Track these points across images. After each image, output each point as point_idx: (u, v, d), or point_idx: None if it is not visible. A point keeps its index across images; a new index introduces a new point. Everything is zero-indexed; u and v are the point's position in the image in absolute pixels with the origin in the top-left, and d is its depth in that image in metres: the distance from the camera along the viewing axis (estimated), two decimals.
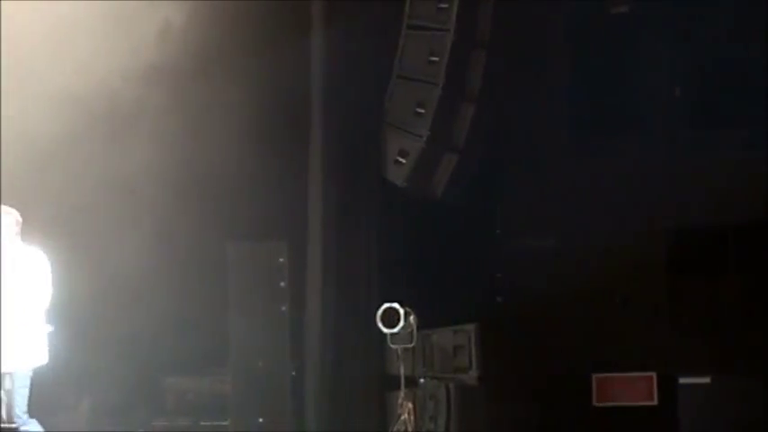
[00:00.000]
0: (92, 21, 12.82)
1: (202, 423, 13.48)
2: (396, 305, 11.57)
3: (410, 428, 11.46)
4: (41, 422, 12.27)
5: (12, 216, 9.90)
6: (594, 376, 13.17)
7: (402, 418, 11.52)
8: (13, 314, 9.48)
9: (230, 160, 13.30)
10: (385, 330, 11.58)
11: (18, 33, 12.65)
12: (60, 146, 12.93)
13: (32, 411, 12.66)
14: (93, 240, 13.76)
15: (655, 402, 12.91)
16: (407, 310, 11.60)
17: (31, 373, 9.89)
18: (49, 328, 10.41)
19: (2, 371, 9.39)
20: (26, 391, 9.80)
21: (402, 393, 11.65)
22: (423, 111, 13.00)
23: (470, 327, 12.72)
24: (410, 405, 11.61)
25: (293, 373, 13.26)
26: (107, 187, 13.49)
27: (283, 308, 13.27)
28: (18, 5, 12.57)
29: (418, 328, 11.80)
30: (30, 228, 13.17)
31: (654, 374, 12.98)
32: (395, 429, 11.56)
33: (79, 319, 13.64)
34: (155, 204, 13.39)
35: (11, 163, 12.60)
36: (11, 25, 12.61)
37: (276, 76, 13.22)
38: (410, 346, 11.84)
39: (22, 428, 9.59)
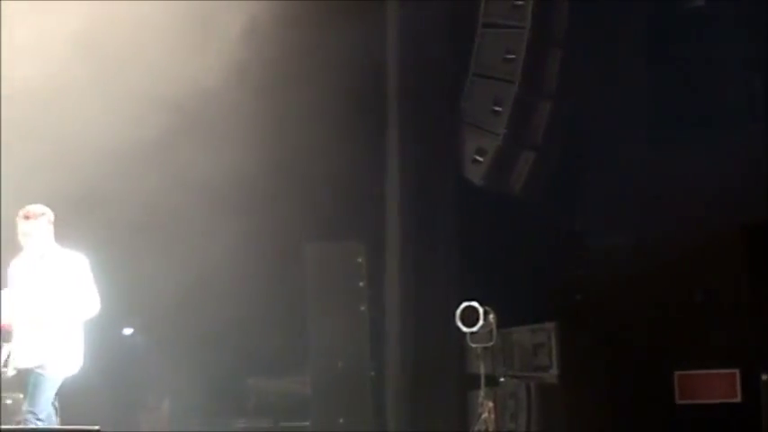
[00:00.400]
0: (176, 21, 12.99)
1: (283, 424, 13.56)
2: (475, 304, 11.53)
3: (491, 427, 11.43)
4: (123, 422, 12.50)
5: (45, 216, 9.51)
6: (676, 374, 13.02)
7: (483, 416, 11.48)
8: (42, 315, 9.27)
9: (310, 161, 13.37)
10: (464, 329, 11.55)
11: (103, 35, 12.85)
12: (146, 148, 13.09)
13: (116, 409, 12.94)
14: (179, 243, 13.91)
15: (738, 399, 12.75)
16: (486, 308, 11.56)
17: (60, 380, 9.58)
18: (128, 331, 10.48)
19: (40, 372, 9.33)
20: (51, 395, 9.54)
21: (482, 392, 11.63)
22: (500, 109, 12.98)
23: (550, 325, 12.68)
24: (490, 404, 11.58)
25: (372, 373, 13.30)
26: (190, 189, 13.63)
27: (362, 308, 13.32)
28: (102, 6, 12.75)
29: (497, 326, 11.76)
30: (116, 231, 13.50)
31: (737, 371, 12.81)
32: (476, 429, 11.53)
33: (164, 319, 13.84)
34: (238, 206, 13.51)
35: (97, 167, 12.80)
36: (96, 27, 12.80)
37: (355, 76, 13.29)
38: (490, 344, 11.80)
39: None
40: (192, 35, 13.14)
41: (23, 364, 9.37)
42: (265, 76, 13.17)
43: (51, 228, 9.52)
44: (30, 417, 9.39)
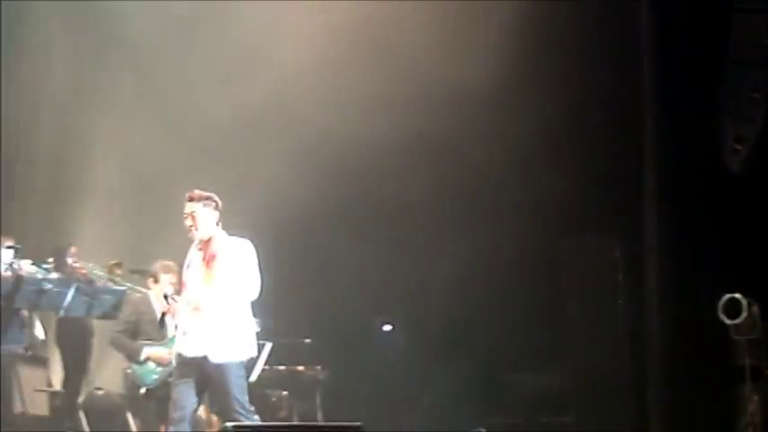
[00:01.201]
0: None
1: (541, 420, 13.48)
2: (738, 295, 11.23)
3: (758, 420, 11.08)
4: (385, 419, 12.66)
5: (210, 200, 9.27)
6: None
7: (749, 410, 11.16)
8: (219, 303, 9.16)
9: (567, 156, 13.32)
10: (727, 321, 11.26)
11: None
12: (416, 146, 13.31)
13: (377, 406, 13.13)
14: (427, 239, 14.06)
15: None
16: (750, 300, 11.24)
17: (244, 365, 9.39)
18: (387, 327, 10.38)
19: (212, 361, 9.08)
20: (243, 383, 9.30)
21: (747, 386, 11.29)
22: (758, 96, 12.55)
23: None
24: (756, 398, 11.24)
25: (632, 368, 13.08)
26: (449, 187, 13.79)
27: (620, 302, 13.15)
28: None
29: (762, 318, 11.39)
30: (371, 230, 13.75)
31: None
32: (742, 423, 11.21)
33: (422, 316, 14.00)
34: (493, 203, 13.58)
35: (361, 165, 13.10)
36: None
37: (609, 70, 13.19)
38: (754, 336, 11.44)
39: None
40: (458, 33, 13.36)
41: (191, 353, 9.18)
42: (527, 73, 13.22)
43: (217, 214, 9.29)
44: (241, 412, 9.10)
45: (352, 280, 14.02)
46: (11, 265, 11.41)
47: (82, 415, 11.22)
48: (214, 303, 9.13)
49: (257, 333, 11.01)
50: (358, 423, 8.41)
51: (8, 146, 13.71)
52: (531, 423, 13.44)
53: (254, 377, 11.03)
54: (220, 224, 9.32)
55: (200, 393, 9.21)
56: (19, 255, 11.33)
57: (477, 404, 13.51)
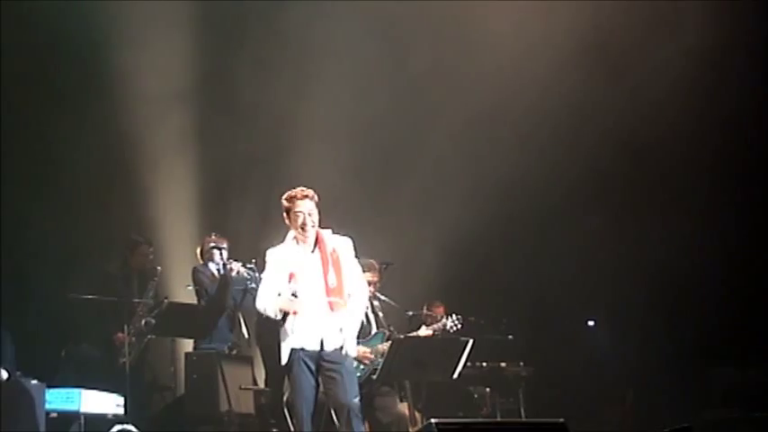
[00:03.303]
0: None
1: (754, 414, 13.07)
2: None
3: None
4: (588, 415, 12.49)
5: (316, 197, 9.02)
6: None
7: None
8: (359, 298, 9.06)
9: None
10: None
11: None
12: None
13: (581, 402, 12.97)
14: (628, 235, 13.87)
15: None
16: None
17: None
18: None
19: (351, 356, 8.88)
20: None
21: None
22: None
23: None
24: None
25: None
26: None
27: None
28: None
29: None
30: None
31: None
32: None
33: (628, 311, 13.79)
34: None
35: None
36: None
37: None
38: None
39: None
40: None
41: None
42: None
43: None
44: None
45: (555, 276, 13.92)
46: (223, 265, 11.64)
47: (286, 413, 11.30)
48: (359, 297, 9.11)
49: (458, 329, 11.03)
50: (561, 420, 8.22)
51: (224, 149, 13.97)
52: (743, 416, 13.04)
53: (455, 374, 10.95)
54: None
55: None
56: (230, 256, 11.56)
57: (686, 398, 13.19)
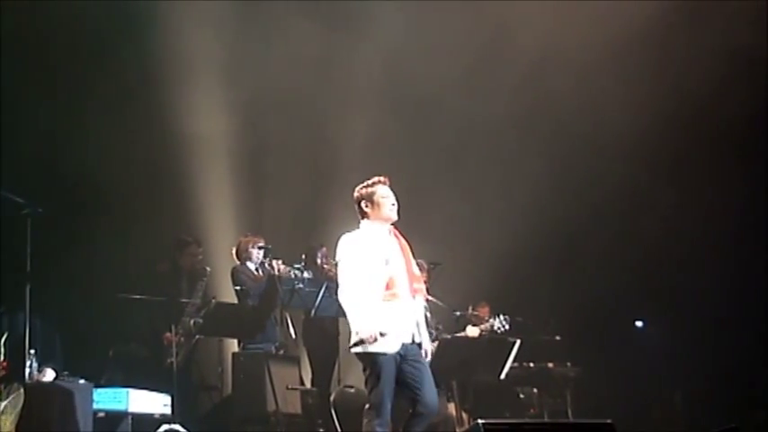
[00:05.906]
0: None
1: None
2: None
3: None
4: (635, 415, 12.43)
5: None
6: None
7: None
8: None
9: None
10: None
11: None
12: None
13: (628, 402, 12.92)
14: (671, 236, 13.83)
15: None
16: None
17: None
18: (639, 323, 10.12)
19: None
20: None
21: None
22: None
23: None
24: None
25: None
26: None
27: None
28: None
29: None
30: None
31: None
32: None
33: (676, 311, 13.74)
34: None
35: None
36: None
37: None
38: None
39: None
40: None
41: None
42: None
43: None
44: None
45: (603, 277, 13.88)
46: (262, 264, 11.66)
47: (333, 413, 11.31)
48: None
49: (506, 329, 11.01)
50: (609, 420, 8.18)
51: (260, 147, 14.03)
52: None
53: (502, 375, 10.94)
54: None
55: None
56: (270, 255, 11.55)
57: (734, 398, 13.11)
